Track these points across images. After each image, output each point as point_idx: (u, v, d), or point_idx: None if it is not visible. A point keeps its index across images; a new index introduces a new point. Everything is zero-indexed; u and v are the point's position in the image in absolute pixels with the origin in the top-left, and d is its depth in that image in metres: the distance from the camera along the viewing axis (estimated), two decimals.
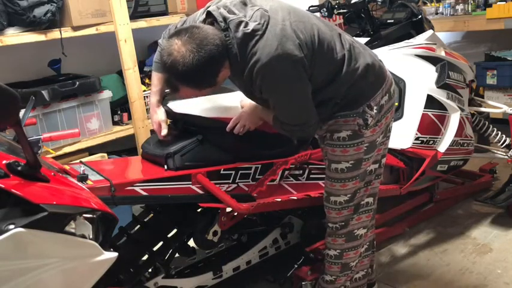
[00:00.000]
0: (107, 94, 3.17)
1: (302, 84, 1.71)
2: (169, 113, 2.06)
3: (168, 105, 2.05)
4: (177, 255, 2.20)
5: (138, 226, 2.14)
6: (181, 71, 1.61)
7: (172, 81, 1.70)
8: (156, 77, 2.00)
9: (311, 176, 2.28)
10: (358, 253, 2.03)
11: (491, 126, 3.06)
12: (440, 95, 2.61)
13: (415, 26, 2.83)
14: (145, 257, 2.09)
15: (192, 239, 2.20)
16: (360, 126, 1.83)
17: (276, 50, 1.62)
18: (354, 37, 1.98)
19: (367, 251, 2.14)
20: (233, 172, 2.06)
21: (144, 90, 3.26)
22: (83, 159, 2.59)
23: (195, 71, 1.61)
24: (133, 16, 3.18)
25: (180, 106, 2.05)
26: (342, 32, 1.88)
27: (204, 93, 1.82)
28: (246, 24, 1.65)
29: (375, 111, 1.83)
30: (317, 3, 3.28)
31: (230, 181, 2.06)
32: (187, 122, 2.06)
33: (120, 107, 3.34)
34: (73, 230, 1.26)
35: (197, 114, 2.02)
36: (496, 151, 3.11)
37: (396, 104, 2.52)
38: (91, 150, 3.13)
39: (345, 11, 2.98)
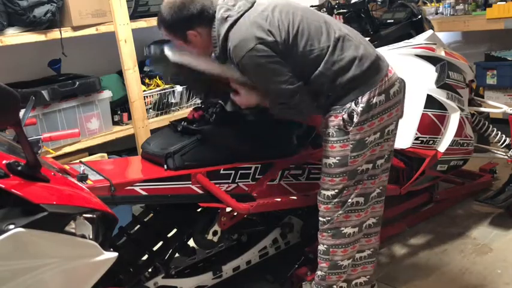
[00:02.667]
0: (107, 94, 3.17)
1: (273, 63, 1.82)
2: (162, 59, 2.01)
3: (164, 48, 2.00)
4: (177, 255, 2.21)
5: (138, 226, 2.14)
6: (165, 9, 1.92)
7: (158, 20, 1.96)
8: None
9: (311, 176, 2.29)
10: (347, 252, 2.01)
11: (491, 126, 3.06)
12: (440, 95, 2.61)
13: (415, 26, 2.83)
14: (145, 257, 2.10)
15: (192, 239, 2.20)
16: (346, 122, 1.86)
17: (245, 33, 1.80)
18: None
19: (371, 257, 2.12)
20: (233, 172, 2.06)
21: (144, 90, 3.27)
22: (83, 159, 2.59)
23: (169, 15, 1.90)
24: (133, 16, 3.18)
25: (175, 55, 2.00)
26: (336, 23, 1.93)
27: (179, 44, 1.96)
28: (226, 10, 1.87)
29: (360, 108, 1.84)
30: (317, 3, 3.29)
31: (230, 181, 2.06)
32: (174, 70, 2.04)
33: (120, 107, 3.33)
34: (73, 230, 1.26)
35: (187, 64, 1.96)
36: (496, 151, 3.10)
37: None
38: (91, 150, 3.13)
39: (345, 11, 2.97)
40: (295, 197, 2.24)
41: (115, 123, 3.30)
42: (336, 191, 1.94)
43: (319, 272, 2.06)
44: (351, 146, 1.88)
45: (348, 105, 1.86)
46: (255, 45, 1.78)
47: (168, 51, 1.99)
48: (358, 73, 1.86)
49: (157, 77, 3.41)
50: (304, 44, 1.84)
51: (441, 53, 2.73)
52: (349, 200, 1.96)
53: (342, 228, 1.98)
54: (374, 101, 1.86)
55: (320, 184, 1.99)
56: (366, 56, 1.88)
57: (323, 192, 1.98)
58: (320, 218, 2.01)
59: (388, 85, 1.91)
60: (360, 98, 1.85)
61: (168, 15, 1.89)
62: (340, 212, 1.96)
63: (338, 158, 1.90)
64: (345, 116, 1.86)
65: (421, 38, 2.74)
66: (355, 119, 1.85)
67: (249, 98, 1.99)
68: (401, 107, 2.01)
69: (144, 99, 3.20)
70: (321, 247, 2.04)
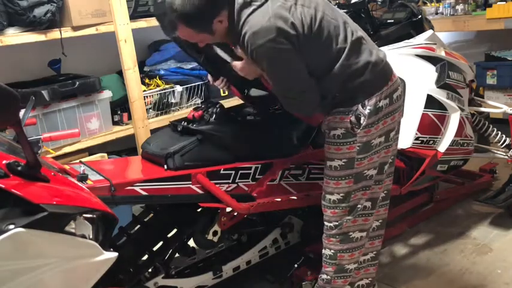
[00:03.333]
0: (107, 94, 3.17)
1: (290, 57, 1.75)
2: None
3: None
4: (177, 255, 2.21)
5: (138, 226, 2.14)
6: (180, 4, 1.68)
7: (171, 19, 1.73)
8: None
9: (311, 176, 2.28)
10: (354, 256, 2.00)
11: (491, 126, 3.06)
12: (440, 95, 2.61)
13: (415, 26, 2.83)
14: (145, 257, 2.09)
15: (192, 239, 2.20)
16: (353, 124, 1.84)
17: (267, 22, 1.69)
18: None
19: (374, 260, 2.11)
20: (233, 172, 2.06)
21: (144, 90, 3.27)
22: (83, 159, 2.59)
23: (192, 6, 1.68)
24: (133, 16, 3.18)
25: None
26: (353, 24, 1.90)
27: (200, 40, 1.82)
28: None
29: (367, 110, 1.84)
30: None
31: (230, 181, 2.06)
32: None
33: (120, 107, 3.33)
34: (73, 230, 1.26)
35: None
36: (496, 151, 3.10)
37: None
38: (91, 150, 3.13)
39: (345, 11, 2.97)
40: (295, 197, 2.24)
41: (115, 123, 3.30)
42: (342, 194, 1.92)
43: (323, 276, 2.05)
44: (358, 148, 1.87)
45: (354, 108, 1.84)
46: (275, 36, 1.68)
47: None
48: (369, 78, 1.84)
49: (157, 77, 3.41)
50: (322, 41, 1.79)
51: (441, 53, 2.73)
52: (359, 206, 1.95)
53: (350, 233, 1.97)
54: (380, 104, 1.86)
55: (323, 187, 1.97)
56: (378, 62, 1.87)
57: (328, 196, 1.95)
58: (326, 223, 1.99)
59: (393, 89, 1.91)
60: (366, 100, 1.84)
61: (188, 4, 1.67)
62: (349, 217, 1.94)
63: (344, 160, 1.88)
64: (352, 118, 1.84)
65: (421, 38, 2.73)
66: (363, 122, 1.84)
67: (251, 70, 1.91)
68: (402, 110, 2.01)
69: (144, 99, 3.20)
70: (327, 252, 2.02)
